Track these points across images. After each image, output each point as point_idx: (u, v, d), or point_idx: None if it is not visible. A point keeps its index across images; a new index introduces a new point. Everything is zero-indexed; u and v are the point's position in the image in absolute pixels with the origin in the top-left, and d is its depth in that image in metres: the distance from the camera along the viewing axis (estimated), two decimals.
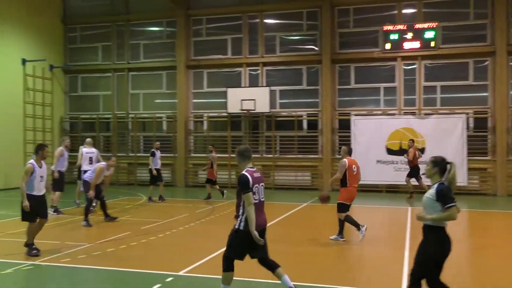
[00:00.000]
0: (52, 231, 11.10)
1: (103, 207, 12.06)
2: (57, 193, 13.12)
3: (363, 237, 9.59)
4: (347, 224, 9.83)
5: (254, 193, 5.78)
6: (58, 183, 13.27)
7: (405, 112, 19.48)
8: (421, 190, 15.88)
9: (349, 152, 10.00)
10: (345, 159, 9.74)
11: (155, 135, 21.94)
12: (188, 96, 21.85)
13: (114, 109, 22.87)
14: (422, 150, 18.43)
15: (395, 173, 18.70)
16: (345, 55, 20.20)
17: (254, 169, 6.01)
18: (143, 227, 11.15)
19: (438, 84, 19.32)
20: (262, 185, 6.00)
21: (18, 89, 20.66)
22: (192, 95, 21.98)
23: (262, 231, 5.88)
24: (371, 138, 18.96)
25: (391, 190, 18.96)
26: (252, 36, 21.20)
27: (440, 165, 5.32)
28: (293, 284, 5.93)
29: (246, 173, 5.85)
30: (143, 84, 22.67)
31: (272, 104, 20.40)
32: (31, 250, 8.47)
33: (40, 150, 8.64)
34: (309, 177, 20.46)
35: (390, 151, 18.96)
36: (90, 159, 13.81)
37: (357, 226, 9.66)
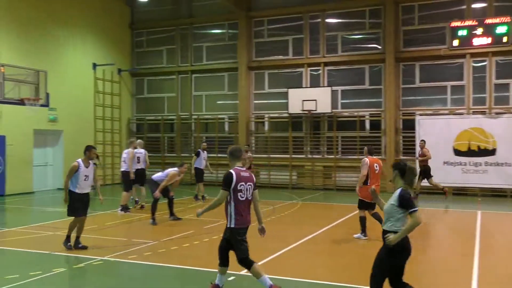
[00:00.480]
0: (120, 228, 11.56)
1: (171, 206, 12.39)
2: (125, 192, 13.80)
3: (357, 237, 10.07)
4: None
5: (240, 191, 6.06)
6: (130, 183, 14.02)
7: (474, 112, 18.62)
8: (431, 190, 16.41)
9: (370, 152, 10.40)
10: (366, 158, 10.15)
11: (217, 136, 22.31)
12: (250, 97, 22.03)
13: (178, 111, 23.47)
14: (493, 151, 17.57)
15: (464, 175, 17.94)
16: (409, 53, 19.63)
17: (243, 169, 6.22)
18: (206, 226, 11.35)
19: (511, 81, 18.34)
20: (250, 185, 6.17)
21: (89, 92, 21.70)
22: (253, 96, 22.15)
23: (246, 228, 6.22)
24: (438, 138, 18.26)
25: (459, 193, 18.21)
26: (314, 36, 21.06)
27: (398, 167, 5.40)
28: None
29: (232, 171, 6.12)
30: (205, 86, 23.12)
31: (334, 104, 20.19)
32: (67, 242, 8.95)
33: (87, 151, 9.08)
34: None
35: (457, 152, 18.20)
36: (138, 158, 14.42)
37: (363, 230, 10.11)
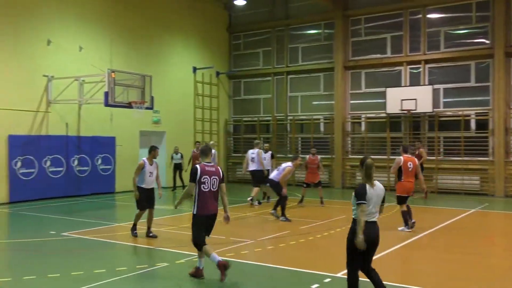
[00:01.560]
0: (217, 226, 11.88)
1: (279, 204, 12.79)
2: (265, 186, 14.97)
3: (401, 230, 10.73)
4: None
5: (203, 183, 6.92)
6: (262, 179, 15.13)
7: None
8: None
9: (405, 150, 11.13)
10: (400, 157, 10.90)
11: (312, 137, 22.24)
12: (346, 97, 21.69)
13: (273, 112, 23.72)
14: None
15: None
16: None
17: (210, 164, 7.10)
18: (302, 227, 11.34)
19: None
20: (215, 178, 7.02)
21: (189, 95, 22.66)
22: (349, 96, 21.77)
23: (212, 215, 7.09)
24: None
25: None
26: (414, 33, 20.25)
27: (361, 164, 5.88)
28: None
29: (197, 166, 7.02)
30: (301, 87, 23.14)
31: (435, 104, 19.24)
32: (133, 231, 10.06)
33: (152, 151, 9.99)
34: (478, 181, 18.82)
35: None
36: (252, 159, 15.41)
37: (406, 222, 10.76)
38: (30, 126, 16.21)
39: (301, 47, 23.09)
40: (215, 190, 7.02)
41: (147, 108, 16.51)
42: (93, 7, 18.28)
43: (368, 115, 21.22)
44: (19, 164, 15.62)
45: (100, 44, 18.50)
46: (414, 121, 20.17)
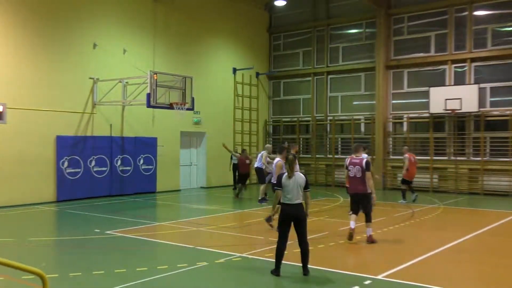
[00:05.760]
0: (257, 227, 11.93)
1: None
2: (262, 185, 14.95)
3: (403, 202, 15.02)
4: None
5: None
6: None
7: None
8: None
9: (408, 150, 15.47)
10: (406, 154, 15.48)
11: (353, 137, 21.98)
12: (387, 97, 21.33)
13: (313, 112, 23.59)
14: None
15: None
16: None
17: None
18: (341, 228, 11.23)
19: None
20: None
21: (229, 96, 22.82)
22: (391, 96, 21.40)
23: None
24: None
25: None
26: (459, 31, 19.69)
27: (286, 159, 7.68)
28: None
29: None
30: (341, 87, 22.91)
31: (481, 103, 18.65)
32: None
33: (283, 151, 10.94)
34: None
35: None
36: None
37: (404, 196, 15.59)
38: (77, 127, 16.73)
39: (342, 46, 22.86)
40: None
41: (188, 109, 16.67)
42: (136, 11, 18.68)
43: (411, 115, 20.79)
44: (66, 164, 16.16)
45: (143, 47, 18.89)
46: (458, 121, 19.63)
